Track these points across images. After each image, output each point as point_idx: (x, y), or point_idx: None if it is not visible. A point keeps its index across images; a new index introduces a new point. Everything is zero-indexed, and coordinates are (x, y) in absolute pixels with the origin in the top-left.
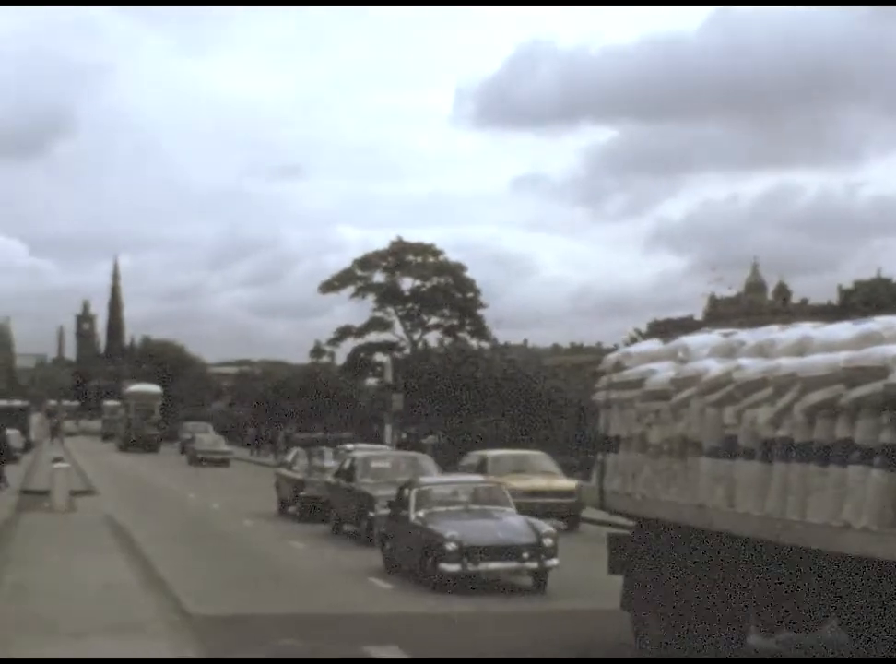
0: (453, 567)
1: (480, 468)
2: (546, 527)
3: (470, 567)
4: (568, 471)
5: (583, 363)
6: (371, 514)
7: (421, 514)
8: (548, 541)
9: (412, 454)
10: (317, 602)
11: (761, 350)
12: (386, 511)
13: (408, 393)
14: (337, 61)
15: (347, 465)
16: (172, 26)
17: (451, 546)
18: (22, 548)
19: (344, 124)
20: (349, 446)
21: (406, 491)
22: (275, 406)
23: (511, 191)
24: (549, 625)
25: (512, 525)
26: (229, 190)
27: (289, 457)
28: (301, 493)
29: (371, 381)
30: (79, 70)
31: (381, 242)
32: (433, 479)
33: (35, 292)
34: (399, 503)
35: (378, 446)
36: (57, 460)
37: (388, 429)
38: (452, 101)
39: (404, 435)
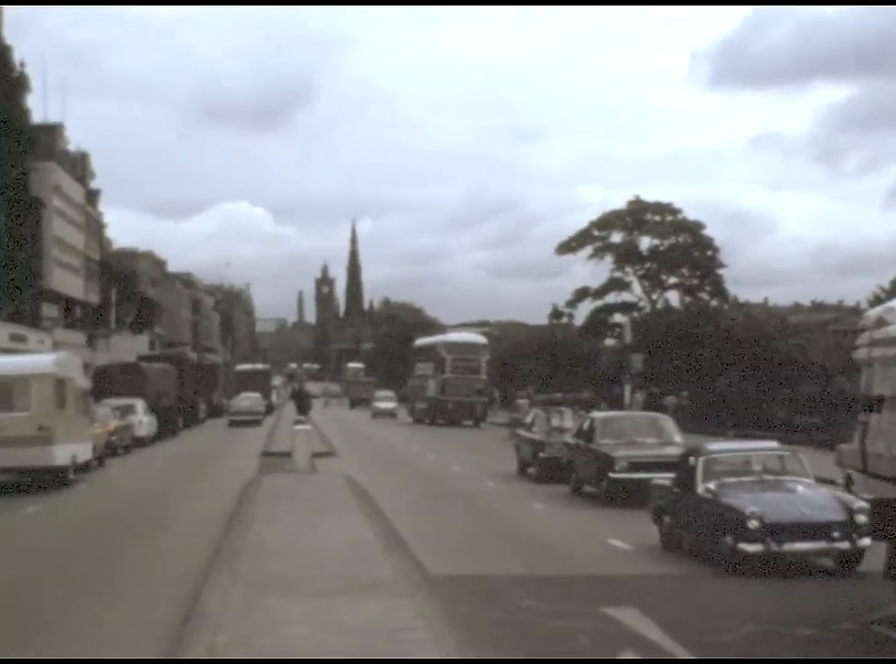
0: (755, 547)
1: None
2: (857, 501)
3: (774, 547)
4: (812, 432)
5: (825, 322)
6: (611, 474)
7: (711, 485)
8: (860, 518)
9: (652, 414)
10: (556, 563)
11: None
12: (626, 473)
13: (648, 353)
14: (573, 22)
15: (586, 425)
16: None
17: (753, 523)
18: (265, 508)
19: (581, 84)
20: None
21: (692, 459)
22: (514, 367)
23: (748, 149)
24: (802, 595)
25: (815, 499)
26: (469, 153)
27: (529, 419)
28: (541, 454)
29: (610, 341)
30: (321, 43)
31: (621, 201)
32: (722, 445)
33: (276, 258)
34: (682, 474)
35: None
36: (299, 422)
37: (627, 390)
38: (687, 61)
39: (637, 395)
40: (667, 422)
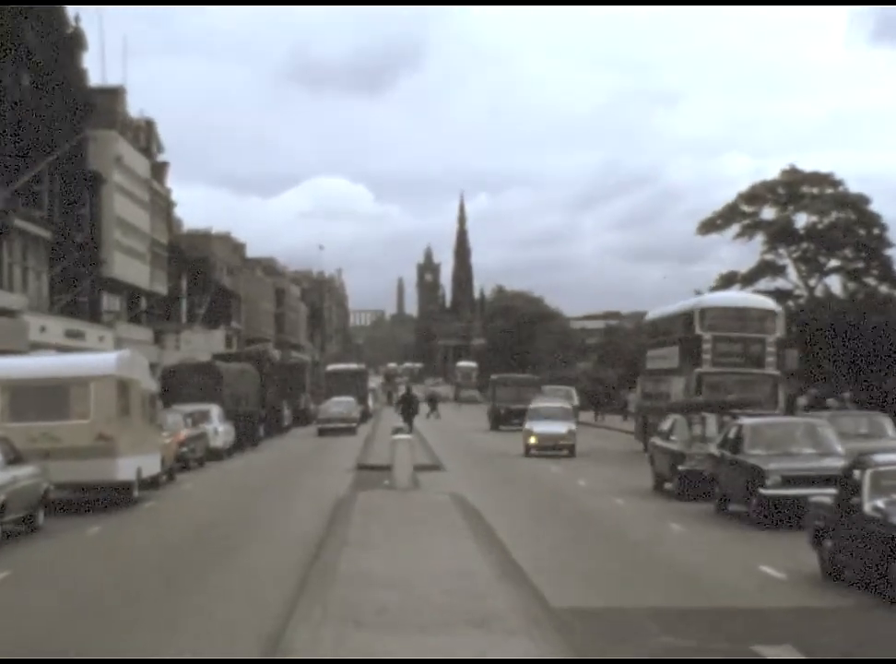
0: None
1: None
2: None
3: None
4: None
5: None
6: (762, 490)
7: (880, 503)
8: None
9: (809, 420)
10: (699, 594)
11: None
12: (779, 489)
13: (806, 348)
14: None
15: (733, 434)
16: None
17: None
18: (360, 530)
19: (726, 40)
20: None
21: (857, 472)
22: None
23: None
24: None
25: None
26: (598, 119)
27: (666, 426)
28: (680, 467)
29: None
30: (429, 4)
31: (774, 171)
32: (892, 456)
33: (374, 240)
34: (846, 489)
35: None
36: (398, 431)
37: (780, 390)
38: (847, 14)
39: (800, 399)
40: (827, 429)
